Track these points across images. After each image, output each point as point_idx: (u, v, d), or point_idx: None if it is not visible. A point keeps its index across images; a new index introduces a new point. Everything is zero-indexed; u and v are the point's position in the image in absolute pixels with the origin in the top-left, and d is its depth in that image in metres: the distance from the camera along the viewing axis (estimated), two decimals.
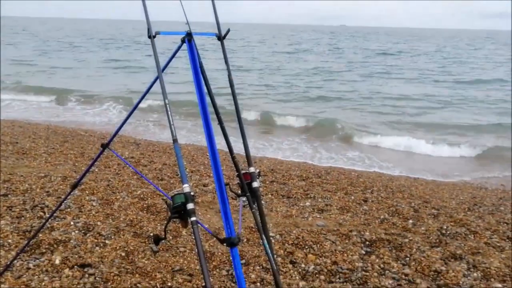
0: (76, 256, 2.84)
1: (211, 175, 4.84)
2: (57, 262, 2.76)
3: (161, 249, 3.07)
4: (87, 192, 4.07)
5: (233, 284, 2.67)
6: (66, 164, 5.17)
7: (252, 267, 2.91)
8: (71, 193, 2.67)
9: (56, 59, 24.99)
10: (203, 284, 2.59)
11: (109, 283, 2.58)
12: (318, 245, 3.27)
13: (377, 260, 3.10)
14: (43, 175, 4.47)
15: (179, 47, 1.88)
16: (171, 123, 1.58)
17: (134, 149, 6.57)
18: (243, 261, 2.98)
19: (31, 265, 2.71)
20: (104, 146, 2.26)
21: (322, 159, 7.81)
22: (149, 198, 4.06)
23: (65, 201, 3.54)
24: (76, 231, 3.22)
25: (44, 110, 11.54)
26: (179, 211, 1.52)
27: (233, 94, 1.99)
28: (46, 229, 3.18)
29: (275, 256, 2.97)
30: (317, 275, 2.87)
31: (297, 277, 2.84)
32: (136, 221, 3.50)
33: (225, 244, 1.70)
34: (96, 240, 3.10)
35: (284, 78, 19.34)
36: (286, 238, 3.36)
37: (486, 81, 19.84)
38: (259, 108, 12.23)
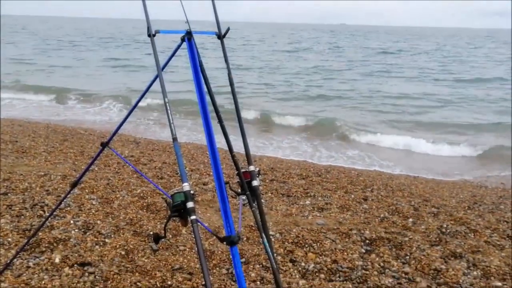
0: (76, 254, 2.84)
1: (211, 173, 4.84)
2: (57, 260, 2.76)
3: (161, 247, 3.07)
4: (87, 190, 4.07)
5: (233, 283, 2.67)
6: (66, 163, 5.17)
7: (252, 266, 2.91)
8: (71, 192, 2.67)
9: (56, 57, 24.98)
10: (203, 282, 2.59)
11: (109, 282, 2.58)
12: (318, 244, 3.27)
13: (377, 259, 3.10)
14: (42, 173, 4.47)
15: (179, 46, 1.87)
16: (171, 121, 1.58)
17: (134, 147, 6.57)
18: (243, 259, 2.98)
19: (31, 264, 2.71)
20: (104, 145, 2.26)
21: (322, 157, 7.81)
22: (149, 197, 4.06)
23: (65, 200, 3.54)
24: (76, 230, 3.22)
25: (43, 109, 11.54)
26: (179, 210, 1.52)
27: (233, 92, 1.98)
28: (46, 227, 3.18)
29: (275, 254, 2.97)
30: (317, 274, 2.87)
31: (297, 276, 2.85)
32: (136, 219, 3.51)
33: (225, 242, 1.70)
34: (96, 239, 3.10)
35: (284, 77, 19.33)
36: (286, 237, 3.36)
37: (486, 80, 19.84)
38: (259, 107, 12.22)
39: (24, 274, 2.59)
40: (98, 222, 3.39)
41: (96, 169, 4.92)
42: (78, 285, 2.53)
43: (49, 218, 3.12)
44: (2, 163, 4.85)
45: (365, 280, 2.82)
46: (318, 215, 4.02)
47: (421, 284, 2.81)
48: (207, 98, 1.84)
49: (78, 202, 3.76)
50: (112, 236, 3.18)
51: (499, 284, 2.84)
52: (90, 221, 3.39)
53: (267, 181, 5.09)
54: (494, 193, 5.46)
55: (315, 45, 44.72)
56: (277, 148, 8.33)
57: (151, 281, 2.62)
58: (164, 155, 6.10)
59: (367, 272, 2.90)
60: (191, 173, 5.16)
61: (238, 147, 2.05)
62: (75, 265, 2.73)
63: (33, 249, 2.90)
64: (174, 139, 1.57)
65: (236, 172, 1.86)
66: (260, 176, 1.99)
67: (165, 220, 1.59)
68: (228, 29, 1.97)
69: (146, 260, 2.88)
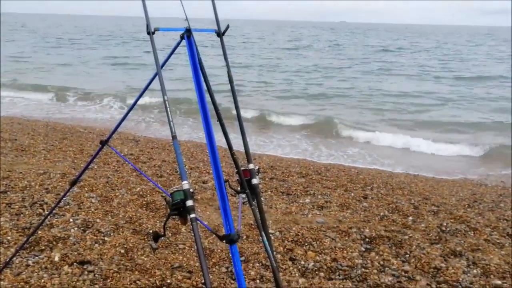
0: (76, 253, 2.84)
1: (211, 172, 4.83)
2: (56, 259, 2.75)
3: (160, 246, 3.07)
4: (86, 189, 4.07)
5: (232, 281, 2.67)
6: (65, 161, 5.17)
7: (251, 264, 2.91)
8: (70, 190, 2.66)
9: (55, 55, 24.95)
10: (203, 281, 2.59)
11: (109, 280, 2.58)
12: (317, 242, 3.27)
13: (376, 257, 3.10)
14: (42, 172, 4.46)
15: (178, 44, 1.87)
16: (170, 119, 1.57)
17: (133, 146, 6.56)
18: (243, 258, 2.98)
19: (30, 262, 2.71)
20: (103, 143, 2.25)
21: (322, 156, 7.81)
22: (148, 195, 4.05)
23: (64, 198, 3.53)
24: (75, 228, 3.21)
25: (43, 107, 11.52)
26: (178, 208, 1.52)
27: (233, 90, 1.98)
28: (45, 226, 3.17)
29: (274, 253, 2.97)
30: (316, 272, 2.87)
31: (296, 274, 2.84)
32: (135, 218, 3.50)
33: (224, 241, 1.69)
34: (95, 237, 3.10)
35: (284, 75, 19.31)
36: (286, 235, 3.36)
37: (487, 78, 19.82)
38: (259, 105, 12.21)
39: (24, 273, 2.59)
40: (98, 220, 3.39)
41: (95, 167, 4.92)
42: (78, 283, 2.53)
43: (49, 217, 3.12)
44: (1, 161, 4.84)
45: (364, 279, 2.82)
46: (317, 213, 4.02)
47: (421, 282, 2.81)
48: (207, 96, 1.83)
49: (77, 200, 3.76)
50: (112, 234, 3.17)
51: (499, 282, 2.84)
52: (89, 219, 3.38)
53: (267, 179, 5.09)
54: (494, 191, 5.46)
55: (315, 42, 44.67)
56: (276, 146, 8.32)
57: (151, 279, 2.62)
58: (163, 153, 6.09)
59: (367, 271, 2.90)
60: (190, 171, 5.16)
61: (237, 145, 2.04)
62: (75, 263, 2.72)
63: (32, 247, 2.89)
64: (174, 137, 1.56)
65: (236, 170, 1.86)
66: (259, 174, 1.99)
67: (165, 219, 1.58)
68: (227, 27, 1.96)
69: (145, 259, 2.88)
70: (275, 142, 8.69)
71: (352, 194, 4.65)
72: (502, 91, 16.18)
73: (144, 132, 8.60)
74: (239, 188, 1.88)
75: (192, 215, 1.49)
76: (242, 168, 1.88)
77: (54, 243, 2.96)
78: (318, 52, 33.03)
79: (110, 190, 4.11)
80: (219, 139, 1.85)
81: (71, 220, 3.34)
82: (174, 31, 1.84)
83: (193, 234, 1.64)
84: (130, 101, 11.69)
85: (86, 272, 2.64)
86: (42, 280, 2.52)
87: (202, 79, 1.82)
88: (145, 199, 3.95)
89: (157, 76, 1.66)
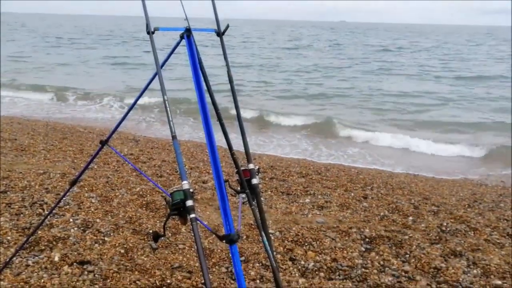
0: (75, 253, 2.84)
1: (211, 171, 4.83)
2: (56, 259, 2.75)
3: (160, 246, 3.06)
4: (86, 189, 4.06)
5: (232, 281, 2.67)
6: (65, 161, 5.16)
7: (251, 264, 2.91)
8: (70, 190, 2.66)
9: (55, 55, 24.95)
10: (203, 281, 2.59)
11: (108, 280, 2.58)
12: (317, 242, 3.26)
13: (377, 257, 3.10)
14: (42, 172, 4.46)
15: (178, 43, 1.86)
16: (170, 119, 1.57)
17: (133, 145, 6.56)
18: (243, 258, 2.97)
19: (30, 262, 2.70)
20: (103, 143, 2.25)
21: (322, 155, 7.80)
22: (148, 195, 4.05)
23: (64, 198, 3.53)
24: (75, 228, 3.21)
25: (42, 107, 11.51)
26: (178, 208, 1.51)
27: (233, 90, 1.97)
28: (45, 226, 3.17)
29: (274, 253, 2.97)
30: (316, 272, 2.87)
31: (296, 274, 2.84)
32: (135, 218, 3.50)
33: (224, 241, 1.69)
34: (95, 237, 3.09)
35: (284, 75, 19.31)
36: (286, 235, 3.36)
37: (487, 77, 19.82)
38: (259, 105, 12.20)
39: (23, 273, 2.59)
40: (98, 220, 3.38)
41: (95, 167, 4.92)
42: (77, 283, 2.52)
43: (48, 216, 3.12)
44: (1, 161, 4.84)
45: (364, 279, 2.81)
46: (318, 213, 4.02)
47: (421, 282, 2.80)
48: (207, 96, 1.83)
49: (77, 200, 3.75)
50: (112, 234, 3.17)
51: (499, 282, 2.84)
52: (89, 219, 3.38)
53: (267, 179, 5.09)
54: (494, 191, 5.46)
55: (315, 42, 44.66)
56: (276, 146, 8.32)
57: (151, 279, 2.62)
58: (163, 153, 6.09)
59: (367, 271, 2.90)
60: (190, 171, 5.16)
61: (237, 145, 2.04)
62: (75, 263, 2.72)
63: (32, 247, 2.89)
64: (174, 137, 1.56)
65: (236, 170, 1.85)
66: (259, 174, 1.98)
67: (165, 219, 1.58)
68: (227, 26, 1.95)
69: (145, 259, 2.87)
70: (275, 142, 8.69)
71: (352, 194, 4.65)
72: (502, 91, 16.17)
73: (144, 132, 8.60)
74: (239, 188, 1.88)
75: (192, 215, 1.48)
76: (242, 168, 1.88)
77: (54, 243, 2.96)
78: (318, 51, 33.02)
79: (110, 190, 4.11)
80: (219, 139, 1.85)
81: (71, 220, 3.33)
82: (174, 31, 1.84)
83: (193, 234, 1.64)
84: (130, 101, 11.68)
85: (86, 272, 2.63)
86: (42, 280, 2.52)
87: (202, 78, 1.82)
88: (145, 199, 3.95)
89: (157, 76, 1.66)
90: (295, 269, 2.89)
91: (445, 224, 3.80)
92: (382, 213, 4.05)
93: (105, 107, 11.85)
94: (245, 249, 3.08)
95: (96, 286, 2.53)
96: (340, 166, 6.49)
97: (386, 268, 2.95)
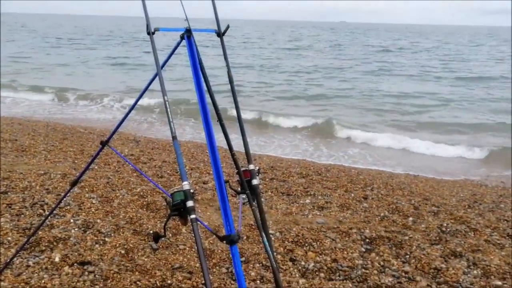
0: (76, 253, 2.84)
1: (211, 172, 4.83)
2: (56, 259, 2.75)
3: (160, 246, 3.07)
4: (86, 189, 4.07)
5: (232, 282, 2.67)
6: (66, 162, 5.17)
7: (252, 265, 2.91)
8: (71, 191, 2.67)
9: (55, 55, 24.96)
10: (203, 281, 2.59)
11: (109, 281, 2.58)
12: (318, 243, 3.26)
13: (377, 258, 3.10)
14: (42, 172, 4.46)
15: (178, 44, 1.87)
16: (171, 120, 1.57)
17: (134, 146, 6.56)
18: (243, 258, 2.97)
19: (30, 263, 2.71)
20: (104, 144, 2.25)
21: (322, 156, 7.80)
22: (148, 196, 4.05)
23: (64, 199, 3.53)
24: (76, 229, 3.21)
25: (43, 107, 11.52)
26: (179, 209, 1.52)
27: (233, 90, 1.97)
28: (45, 226, 3.17)
29: (274, 253, 2.97)
30: (317, 273, 2.87)
31: (297, 275, 2.84)
32: (135, 218, 3.50)
33: (224, 241, 1.69)
34: (95, 238, 3.10)
35: (284, 75, 19.31)
36: (286, 236, 3.36)
37: (488, 78, 19.81)
38: (259, 105, 12.20)
39: (24, 273, 2.59)
40: (98, 221, 3.39)
41: (96, 167, 4.92)
42: (78, 284, 2.53)
43: (49, 217, 3.12)
44: (2, 161, 4.84)
45: (365, 279, 2.81)
46: (318, 214, 4.02)
47: (421, 283, 2.81)
48: (207, 96, 1.83)
49: (78, 201, 3.76)
50: (112, 235, 3.17)
51: (499, 283, 2.84)
52: (90, 220, 3.38)
53: (267, 179, 5.09)
54: (494, 192, 5.46)
55: (315, 43, 44.66)
56: (277, 147, 8.32)
57: (151, 280, 2.62)
58: (164, 154, 6.09)
59: (367, 271, 2.90)
60: (191, 172, 5.16)
61: (238, 145, 2.04)
62: (75, 264, 2.72)
63: (33, 248, 2.89)
64: (174, 137, 1.56)
65: (236, 170, 1.86)
66: (260, 174, 1.98)
67: (165, 219, 1.58)
68: (227, 27, 1.96)
69: (146, 259, 2.88)
70: (276, 142, 8.69)
71: (353, 195, 4.65)
72: (503, 91, 16.17)
73: (144, 132, 8.61)
74: (239, 189, 1.88)
75: (193, 216, 1.49)
76: (243, 169, 1.88)
77: (55, 243, 2.96)
78: (318, 52, 33.03)
79: (111, 191, 4.11)
80: (220, 140, 1.85)
81: (71, 220, 3.33)
82: (174, 31, 1.84)
83: (193, 235, 1.64)
84: (130, 102, 11.69)
85: (86, 273, 2.64)
86: (43, 281, 2.52)
87: (202, 79, 1.82)
88: (146, 199, 3.95)
89: (157, 77, 1.66)
90: (295, 270, 2.89)
91: (445, 224, 3.80)
92: (382, 214, 4.05)
93: (106, 108, 11.85)
94: (246, 249, 3.09)
95: (97, 286, 2.53)
96: (341, 167, 6.49)
97: (386, 269, 2.95)
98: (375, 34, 72.72)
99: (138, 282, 2.57)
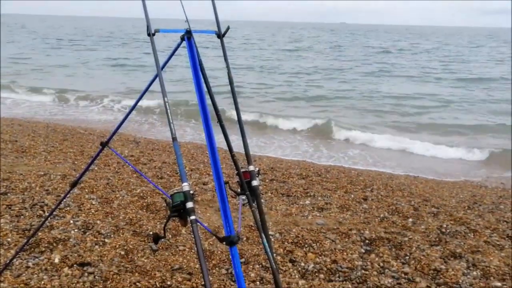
0: (76, 254, 2.84)
1: (211, 173, 4.83)
2: (56, 260, 2.75)
3: (160, 247, 3.07)
4: (86, 190, 4.07)
5: (232, 283, 2.67)
6: (66, 163, 5.17)
7: (251, 266, 2.91)
8: (71, 192, 2.67)
9: (55, 56, 24.97)
10: (203, 283, 2.59)
11: (109, 282, 2.58)
12: (317, 244, 3.27)
13: (376, 259, 3.10)
14: (42, 173, 4.46)
15: (178, 45, 1.87)
16: (171, 121, 1.57)
17: (134, 147, 6.56)
18: (243, 259, 2.98)
19: (30, 264, 2.71)
20: (104, 145, 2.25)
21: (322, 157, 7.80)
22: (148, 197, 4.05)
23: (64, 200, 3.53)
24: (76, 230, 3.21)
25: (44, 108, 11.52)
26: (179, 210, 1.52)
27: (233, 92, 1.98)
28: (45, 227, 3.17)
29: (274, 254, 2.97)
30: (316, 274, 2.87)
31: (296, 276, 2.84)
32: (135, 219, 3.50)
33: (224, 242, 1.69)
34: (95, 239, 3.10)
35: (284, 77, 19.32)
36: (286, 237, 3.36)
37: (488, 79, 19.82)
38: (259, 106, 12.21)
39: (24, 274, 2.59)
40: (98, 222, 3.39)
41: (96, 168, 4.92)
42: (78, 285, 2.53)
43: (49, 218, 3.12)
44: (2, 162, 4.85)
45: (364, 280, 2.82)
46: (318, 215, 4.02)
47: (420, 284, 2.81)
48: (207, 97, 1.83)
49: (77, 202, 3.76)
50: (112, 236, 3.17)
51: (499, 284, 2.84)
52: (89, 221, 3.38)
53: (267, 180, 5.09)
54: (494, 193, 5.46)
55: (316, 44, 44.69)
56: (277, 148, 8.32)
57: (151, 281, 2.62)
58: (164, 155, 6.10)
59: (367, 272, 2.90)
60: (190, 173, 5.16)
61: (238, 146, 2.04)
62: (75, 265, 2.72)
63: (32, 249, 2.89)
64: (174, 138, 1.56)
65: (236, 172, 1.86)
66: (259, 176, 1.99)
67: (165, 220, 1.58)
68: (228, 28, 1.96)
69: (145, 260, 2.88)
70: (276, 143, 8.69)
71: (352, 196, 4.65)
72: (503, 93, 16.17)
73: (144, 133, 8.61)
74: (239, 190, 1.88)
75: (192, 217, 1.49)
76: (242, 170, 1.88)
77: (54, 244, 2.96)
78: (318, 53, 33.04)
79: (111, 192, 4.11)
80: (220, 141, 1.86)
81: (71, 221, 3.34)
82: (175, 33, 1.84)
83: (193, 236, 1.64)
84: (130, 103, 11.70)
85: (86, 274, 2.64)
86: (42, 282, 2.52)
87: (202, 80, 1.83)
88: (146, 200, 3.95)
89: (157, 78, 1.66)
90: (295, 271, 2.89)
91: (445, 225, 3.80)
92: (382, 215, 4.06)
93: (106, 109, 11.85)
94: (245, 250, 3.09)
95: (96, 287, 2.53)
96: (340, 168, 6.49)
97: (386, 270, 2.95)
98: (375, 35, 72.77)
99: (137, 283, 2.57)
